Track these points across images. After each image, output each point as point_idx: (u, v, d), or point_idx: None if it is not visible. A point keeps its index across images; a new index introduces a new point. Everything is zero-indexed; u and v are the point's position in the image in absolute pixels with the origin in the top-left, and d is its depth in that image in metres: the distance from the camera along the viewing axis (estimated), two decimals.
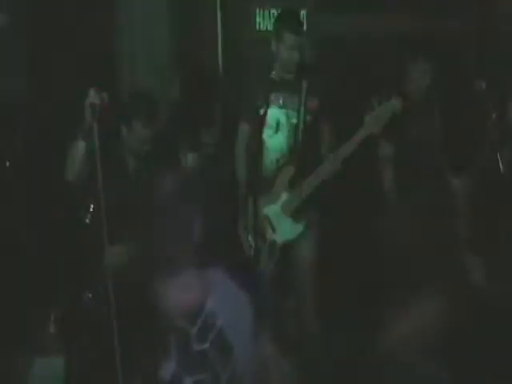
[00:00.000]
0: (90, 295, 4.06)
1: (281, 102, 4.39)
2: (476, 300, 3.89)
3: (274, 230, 4.45)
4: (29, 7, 5.79)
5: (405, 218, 4.05)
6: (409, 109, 4.38)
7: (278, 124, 4.40)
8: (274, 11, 5.68)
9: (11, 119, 5.38)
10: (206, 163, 5.17)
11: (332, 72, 5.19)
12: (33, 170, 5.13)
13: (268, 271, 4.49)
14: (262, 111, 4.06)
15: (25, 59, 5.82)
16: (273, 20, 5.56)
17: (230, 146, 4.69)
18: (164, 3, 5.75)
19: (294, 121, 4.38)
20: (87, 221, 4.12)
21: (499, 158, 4.01)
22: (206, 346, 2.35)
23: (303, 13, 5.57)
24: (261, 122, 4.26)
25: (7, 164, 4.68)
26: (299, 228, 4.40)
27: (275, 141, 4.42)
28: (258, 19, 5.72)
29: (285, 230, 4.42)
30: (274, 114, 4.39)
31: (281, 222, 4.43)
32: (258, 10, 5.72)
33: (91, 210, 4.06)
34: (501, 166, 4.02)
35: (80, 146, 3.94)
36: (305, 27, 4.81)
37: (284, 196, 4.41)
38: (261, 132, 4.38)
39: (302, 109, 4.36)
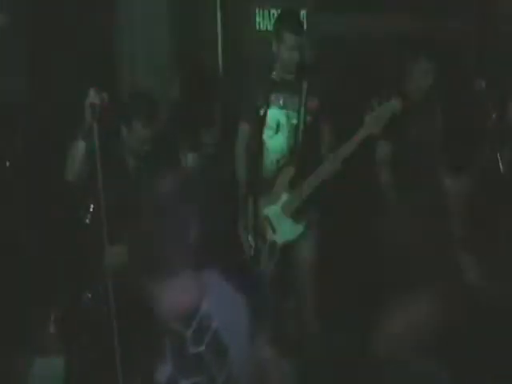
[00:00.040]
0: (90, 295, 4.06)
1: (281, 102, 4.38)
2: (471, 299, 3.90)
3: (274, 230, 4.45)
4: (29, 7, 5.79)
5: (404, 218, 4.06)
6: (410, 109, 4.38)
7: (278, 125, 4.39)
8: (273, 11, 5.68)
9: (11, 119, 5.37)
10: (205, 163, 5.17)
11: (332, 72, 5.18)
12: (33, 170, 5.12)
13: (268, 271, 4.50)
14: (262, 111, 4.05)
15: (25, 59, 5.82)
16: (273, 20, 5.57)
17: (230, 146, 4.69)
18: (164, 3, 5.75)
19: (294, 121, 4.38)
20: (87, 221, 4.13)
21: (499, 158, 4.00)
22: (202, 348, 2.34)
23: (303, 13, 5.57)
24: (261, 122, 4.26)
25: (7, 164, 4.67)
26: (299, 228, 4.40)
27: (275, 141, 4.42)
28: (257, 19, 5.72)
29: (285, 230, 4.42)
30: (274, 114, 4.38)
31: (281, 223, 4.43)
32: (257, 10, 5.72)
33: (91, 209, 4.06)
34: (501, 166, 4.01)
35: (80, 146, 3.94)
36: (305, 27, 4.79)
37: (284, 196, 4.41)
38: (261, 132, 4.38)
39: (302, 109, 4.36)
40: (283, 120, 4.39)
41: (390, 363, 3.86)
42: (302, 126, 4.37)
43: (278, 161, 4.43)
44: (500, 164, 4.01)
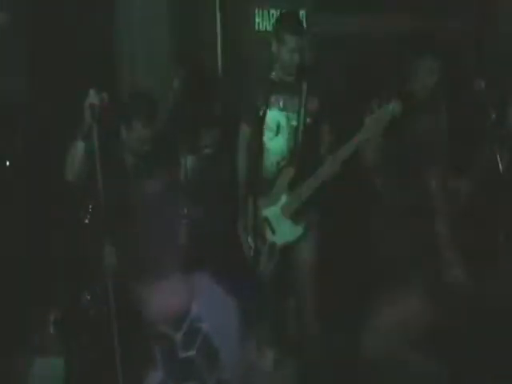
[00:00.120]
0: (89, 296, 4.06)
1: (281, 104, 4.37)
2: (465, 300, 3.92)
3: (273, 231, 4.45)
4: (29, 7, 5.79)
5: (403, 219, 4.06)
6: (415, 107, 4.37)
7: (278, 126, 4.39)
8: (273, 11, 5.68)
9: (11, 119, 5.38)
10: (205, 164, 5.18)
11: (332, 73, 5.18)
12: (33, 170, 5.12)
13: (267, 272, 4.50)
14: (261, 113, 4.04)
15: (25, 59, 5.82)
16: (272, 20, 5.58)
17: (230, 147, 4.69)
18: (164, 3, 5.74)
19: (294, 123, 4.37)
20: (86, 221, 4.13)
21: (499, 158, 4.00)
22: (193, 353, 2.32)
23: (303, 13, 5.57)
24: (261, 123, 4.26)
25: (7, 164, 4.67)
26: (299, 230, 4.40)
27: (275, 143, 4.41)
28: (257, 19, 5.72)
29: (284, 231, 4.42)
30: (274, 116, 4.38)
31: (280, 224, 4.42)
32: (257, 11, 5.72)
33: (90, 210, 4.06)
34: (500, 166, 4.01)
35: (79, 146, 3.95)
36: (304, 27, 4.78)
37: (284, 198, 4.41)
38: (261, 134, 4.38)
39: (302, 111, 4.35)
40: (283, 122, 4.38)
41: (389, 363, 3.87)
42: (301, 128, 4.36)
43: (277, 162, 4.43)
44: (500, 164, 4.00)
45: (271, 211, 4.43)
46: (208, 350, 2.34)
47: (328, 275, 4.56)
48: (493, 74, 5.12)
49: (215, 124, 5.23)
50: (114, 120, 4.12)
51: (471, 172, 4.37)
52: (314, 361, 4.49)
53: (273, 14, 5.66)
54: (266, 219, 4.44)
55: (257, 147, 4.28)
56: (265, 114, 4.17)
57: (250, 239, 4.40)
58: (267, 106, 4.17)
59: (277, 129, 4.39)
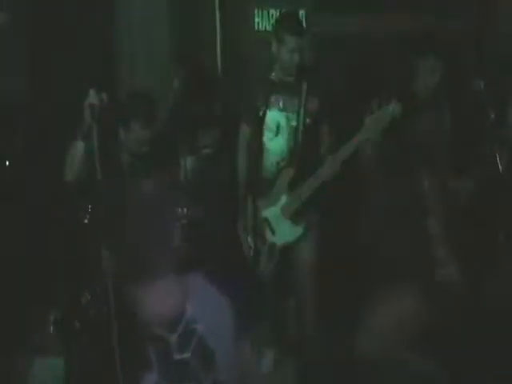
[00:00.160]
0: (89, 296, 4.06)
1: (281, 104, 4.37)
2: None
3: (273, 232, 4.45)
4: (29, 7, 5.79)
5: (400, 219, 4.06)
6: (416, 107, 4.37)
7: (278, 127, 4.39)
8: (272, 11, 5.68)
9: (11, 119, 5.38)
10: (205, 164, 5.18)
11: (332, 73, 5.17)
12: (33, 170, 5.12)
13: (267, 272, 4.50)
14: (261, 113, 4.04)
15: (25, 59, 5.82)
16: (272, 20, 5.58)
17: (230, 147, 4.69)
18: (164, 3, 5.74)
19: (294, 123, 4.37)
20: (86, 221, 4.13)
21: (498, 158, 4.00)
22: (188, 354, 2.31)
23: (302, 13, 5.57)
24: (260, 123, 4.25)
25: (7, 164, 4.68)
26: (298, 231, 4.40)
27: (275, 143, 4.41)
28: (256, 19, 5.72)
29: (284, 232, 4.42)
30: (274, 116, 4.37)
31: (280, 225, 4.42)
32: (256, 11, 5.72)
33: (90, 210, 4.06)
34: (500, 166, 4.01)
35: (79, 146, 3.95)
36: (304, 27, 4.77)
37: (283, 198, 4.41)
38: (261, 134, 4.37)
39: (302, 111, 4.35)
40: (283, 122, 4.38)
41: (387, 363, 3.87)
42: (301, 128, 4.36)
43: (277, 162, 4.43)
44: (499, 164, 4.00)
45: (271, 211, 4.43)
46: (203, 352, 2.33)
47: (328, 275, 4.56)
48: (492, 74, 5.14)
49: (215, 124, 5.24)
50: (113, 120, 4.12)
51: (471, 172, 4.36)
52: (314, 361, 4.49)
53: (272, 14, 5.66)
54: (266, 219, 4.45)
55: (257, 147, 4.28)
56: (264, 114, 4.17)
57: (249, 239, 4.40)
58: (267, 106, 4.16)
59: (276, 129, 4.39)
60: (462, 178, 4.33)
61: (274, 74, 4.38)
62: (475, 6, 5.55)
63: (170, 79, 5.46)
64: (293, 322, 5.06)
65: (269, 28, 5.55)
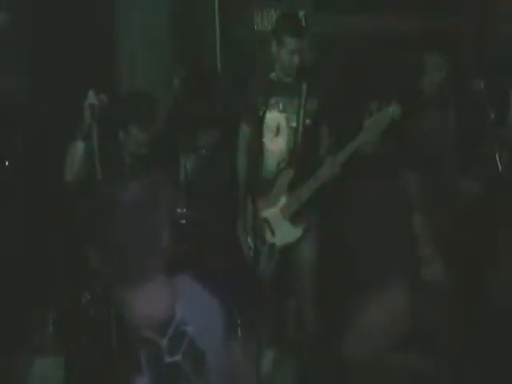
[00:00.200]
0: (89, 296, 4.06)
1: (281, 106, 4.36)
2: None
3: (273, 232, 4.44)
4: (29, 7, 5.80)
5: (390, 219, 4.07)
6: (423, 105, 4.36)
7: (277, 127, 4.38)
8: (272, 11, 5.68)
9: (11, 119, 5.38)
10: (205, 164, 5.18)
11: (332, 74, 5.17)
12: (32, 170, 5.13)
13: (267, 273, 4.50)
14: (261, 113, 4.03)
15: (25, 59, 5.83)
16: (271, 20, 5.57)
17: (230, 148, 4.69)
18: (164, 3, 5.75)
19: (294, 124, 4.36)
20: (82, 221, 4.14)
21: (498, 157, 4.00)
22: (179, 357, 2.30)
23: (302, 13, 5.57)
24: (260, 124, 4.25)
25: (7, 164, 4.68)
26: (298, 232, 4.39)
27: (275, 144, 4.41)
28: (256, 20, 5.72)
29: (284, 233, 4.41)
30: (273, 117, 4.36)
31: (280, 226, 4.42)
32: (256, 11, 5.72)
33: (89, 210, 4.06)
34: (499, 166, 4.01)
35: (79, 147, 3.95)
36: (304, 28, 4.76)
37: (283, 199, 4.40)
38: (260, 134, 4.37)
39: (302, 112, 4.34)
40: (283, 123, 4.37)
41: (376, 363, 3.89)
42: (301, 129, 4.35)
43: (277, 163, 4.42)
44: (499, 164, 4.01)
45: (271, 212, 4.43)
46: (194, 354, 2.32)
47: (328, 276, 4.56)
48: (492, 73, 5.14)
49: (215, 124, 5.24)
50: (113, 121, 4.12)
51: (471, 172, 4.37)
52: (314, 361, 4.49)
53: (272, 14, 5.66)
54: (266, 220, 4.44)
55: (256, 148, 4.27)
56: (264, 114, 4.16)
57: (249, 240, 4.39)
58: (267, 106, 4.15)
59: (276, 130, 4.39)
60: (463, 178, 4.34)
61: (273, 74, 4.37)
62: (475, 5, 5.55)
63: (170, 79, 5.47)
64: (293, 322, 5.07)
65: (269, 29, 5.55)
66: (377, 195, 4.18)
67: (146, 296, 2.24)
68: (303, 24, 4.75)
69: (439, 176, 4.37)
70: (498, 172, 4.05)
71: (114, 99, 4.17)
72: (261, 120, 4.14)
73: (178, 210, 4.93)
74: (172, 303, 2.29)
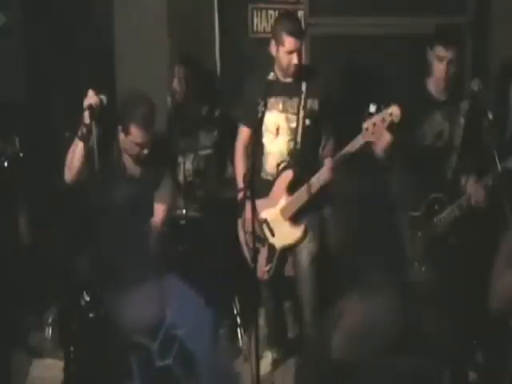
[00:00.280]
0: (88, 298, 4.05)
1: (280, 106, 4.35)
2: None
3: (272, 234, 4.44)
4: (29, 7, 5.80)
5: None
6: (430, 105, 4.35)
7: (277, 128, 4.38)
8: (271, 12, 5.67)
9: (11, 119, 5.38)
10: (204, 165, 5.18)
11: (331, 74, 5.16)
12: (32, 170, 5.12)
13: (267, 274, 4.50)
14: (260, 114, 4.02)
15: (25, 59, 5.83)
16: (271, 21, 5.57)
17: (229, 148, 4.68)
18: (164, 3, 5.74)
19: (293, 125, 4.36)
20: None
21: (497, 158, 3.98)
22: (169, 361, 2.30)
23: (301, 13, 5.57)
24: (260, 125, 4.24)
25: (5, 164, 4.68)
26: (297, 233, 4.39)
27: (275, 145, 4.41)
28: (255, 20, 5.71)
29: (283, 234, 4.41)
30: (273, 118, 4.36)
31: (279, 227, 4.42)
32: (255, 11, 5.71)
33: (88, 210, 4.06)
34: (499, 167, 4.00)
35: (79, 147, 3.95)
36: (303, 28, 4.75)
37: (283, 200, 4.40)
38: (260, 135, 4.37)
39: (302, 112, 4.34)
40: (283, 124, 4.37)
41: (364, 365, 3.90)
42: (300, 130, 4.35)
43: (277, 164, 4.42)
44: (498, 165, 4.00)
45: (270, 213, 4.43)
46: (184, 357, 2.32)
47: (327, 276, 4.56)
48: (491, 73, 5.15)
49: (214, 125, 5.24)
50: (113, 121, 4.12)
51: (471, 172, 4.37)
52: (314, 361, 4.49)
53: (271, 15, 5.66)
54: (266, 221, 4.44)
55: (256, 149, 4.26)
56: (264, 115, 4.15)
57: (249, 241, 4.39)
58: (266, 107, 4.15)
59: (276, 130, 4.38)
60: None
61: (272, 74, 4.37)
62: (475, 5, 5.54)
63: (169, 79, 5.47)
64: (292, 322, 5.08)
65: (268, 29, 5.55)
66: (366, 194, 4.19)
67: (137, 301, 2.25)
68: (302, 24, 4.72)
69: (438, 176, 4.37)
70: (497, 172, 4.03)
71: (113, 99, 4.17)
72: (260, 121, 4.13)
73: (178, 211, 4.94)
74: (162, 306, 2.29)
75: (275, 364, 4.82)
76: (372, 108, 4.01)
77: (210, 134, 5.22)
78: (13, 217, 5.07)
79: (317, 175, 4.23)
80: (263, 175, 4.45)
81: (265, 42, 4.47)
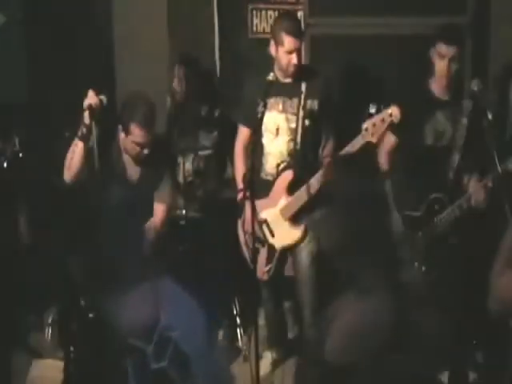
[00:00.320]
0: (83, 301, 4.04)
1: (280, 106, 4.35)
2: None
3: (272, 234, 4.44)
4: (29, 7, 5.80)
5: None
6: (432, 105, 4.35)
7: (277, 128, 4.38)
8: (271, 12, 5.67)
9: (11, 119, 5.38)
10: (204, 165, 5.18)
11: (331, 74, 5.16)
12: (32, 170, 5.12)
13: (267, 274, 4.50)
14: (260, 114, 4.02)
15: (25, 59, 5.83)
16: (270, 21, 5.56)
17: (229, 148, 4.68)
18: (164, 3, 5.74)
19: (293, 125, 4.35)
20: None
21: (496, 159, 3.98)
22: (164, 363, 2.30)
23: (301, 14, 5.57)
24: (259, 125, 4.24)
25: (5, 165, 4.68)
26: (297, 233, 4.39)
27: (275, 145, 4.40)
28: (255, 20, 5.71)
29: (283, 234, 4.41)
30: (273, 118, 4.36)
31: (279, 227, 4.41)
32: (255, 11, 5.71)
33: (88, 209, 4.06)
34: (498, 167, 4.00)
35: (78, 147, 3.95)
36: (303, 28, 4.75)
37: (283, 201, 4.40)
38: (260, 135, 4.37)
39: (301, 113, 4.34)
40: (282, 124, 4.37)
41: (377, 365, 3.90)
42: (300, 130, 4.34)
43: (277, 165, 4.42)
44: (497, 165, 4.00)
45: (270, 213, 4.42)
46: (179, 359, 2.32)
47: (327, 276, 4.56)
48: (491, 73, 5.14)
49: (214, 125, 5.24)
50: (112, 121, 4.12)
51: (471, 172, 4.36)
52: (313, 361, 4.49)
53: (270, 15, 5.65)
54: (265, 221, 4.44)
55: (256, 149, 4.26)
56: (263, 115, 4.15)
57: (249, 241, 4.38)
58: (266, 107, 4.15)
59: (276, 131, 4.38)
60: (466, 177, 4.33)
61: (272, 74, 4.35)
62: (475, 5, 5.54)
63: (169, 79, 5.47)
64: (292, 323, 5.08)
65: (267, 29, 5.55)
66: (365, 195, 4.20)
67: (132, 303, 2.24)
68: (302, 24, 4.72)
69: (438, 176, 4.37)
70: (497, 173, 4.03)
71: (113, 99, 4.17)
72: (260, 121, 4.13)
73: (178, 211, 4.94)
74: (156, 309, 2.29)
75: (275, 364, 4.82)
76: (372, 108, 4.00)
77: (210, 134, 5.22)
78: (13, 217, 5.08)
79: (316, 175, 4.23)
80: (263, 175, 4.45)
81: (264, 43, 4.48)
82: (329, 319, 4.15)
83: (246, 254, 4.43)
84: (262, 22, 5.68)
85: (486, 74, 5.35)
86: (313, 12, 5.60)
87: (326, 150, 4.44)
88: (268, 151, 4.43)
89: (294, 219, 4.39)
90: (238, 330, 5.00)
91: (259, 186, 4.22)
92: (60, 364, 4.06)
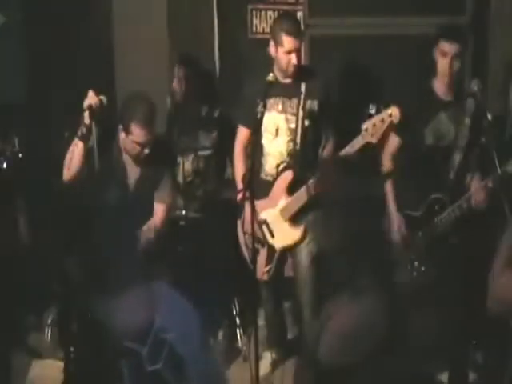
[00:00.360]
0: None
1: (280, 107, 4.35)
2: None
3: (272, 234, 4.44)
4: (29, 7, 5.80)
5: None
6: (434, 105, 4.35)
7: (277, 129, 4.37)
8: (270, 13, 5.67)
9: (11, 119, 5.38)
10: (203, 165, 5.18)
11: (331, 74, 5.16)
12: (32, 170, 5.12)
13: (267, 274, 4.50)
14: (259, 115, 4.02)
15: (24, 59, 5.83)
16: (269, 21, 5.56)
17: (229, 149, 4.68)
18: (164, 3, 5.75)
19: (293, 125, 4.35)
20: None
21: (496, 160, 3.99)
22: (159, 365, 2.29)
23: (301, 14, 5.57)
24: (259, 126, 4.24)
25: (4, 166, 4.68)
26: (297, 234, 4.39)
27: (274, 146, 4.40)
28: (254, 21, 5.71)
29: (283, 235, 4.41)
30: (273, 119, 4.36)
31: (279, 227, 4.41)
32: (254, 12, 5.71)
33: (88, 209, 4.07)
34: (498, 168, 4.00)
35: (78, 147, 3.95)
36: (303, 28, 4.75)
37: (282, 201, 4.40)
38: (259, 136, 4.37)
39: (301, 113, 4.34)
40: (282, 124, 4.36)
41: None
42: (300, 130, 4.34)
43: (277, 165, 4.41)
44: (497, 165, 4.00)
45: (270, 214, 4.42)
46: (174, 361, 2.31)
47: (326, 276, 4.56)
48: (490, 73, 5.14)
49: (214, 125, 5.24)
50: (112, 121, 4.12)
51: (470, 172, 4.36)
52: (313, 362, 4.49)
53: (270, 15, 5.66)
54: (265, 222, 4.44)
55: (255, 149, 4.26)
56: (263, 115, 4.15)
57: (248, 241, 4.38)
58: (265, 107, 4.14)
59: (275, 131, 4.38)
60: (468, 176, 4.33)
61: (271, 75, 4.35)
62: (475, 5, 5.54)
63: (169, 79, 5.47)
64: (291, 323, 5.07)
65: (267, 29, 5.55)
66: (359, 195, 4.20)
67: (127, 305, 2.24)
68: (301, 24, 4.72)
69: (439, 176, 4.37)
70: (497, 174, 4.04)
71: (113, 99, 4.17)
72: (259, 121, 4.13)
73: (177, 211, 4.93)
74: (151, 311, 2.28)
75: (274, 364, 4.82)
76: (372, 109, 4.00)
77: (210, 134, 5.22)
78: (13, 217, 5.08)
79: (316, 176, 4.23)
80: (263, 176, 4.45)
81: (264, 43, 4.48)
82: (323, 320, 4.15)
83: (246, 254, 4.43)
84: (261, 22, 5.68)
85: (486, 74, 5.35)
86: (312, 12, 5.59)
87: (326, 151, 4.45)
88: (268, 151, 4.42)
89: (294, 220, 4.39)
90: (238, 331, 5.00)
91: (259, 187, 4.22)
92: (60, 364, 4.05)
